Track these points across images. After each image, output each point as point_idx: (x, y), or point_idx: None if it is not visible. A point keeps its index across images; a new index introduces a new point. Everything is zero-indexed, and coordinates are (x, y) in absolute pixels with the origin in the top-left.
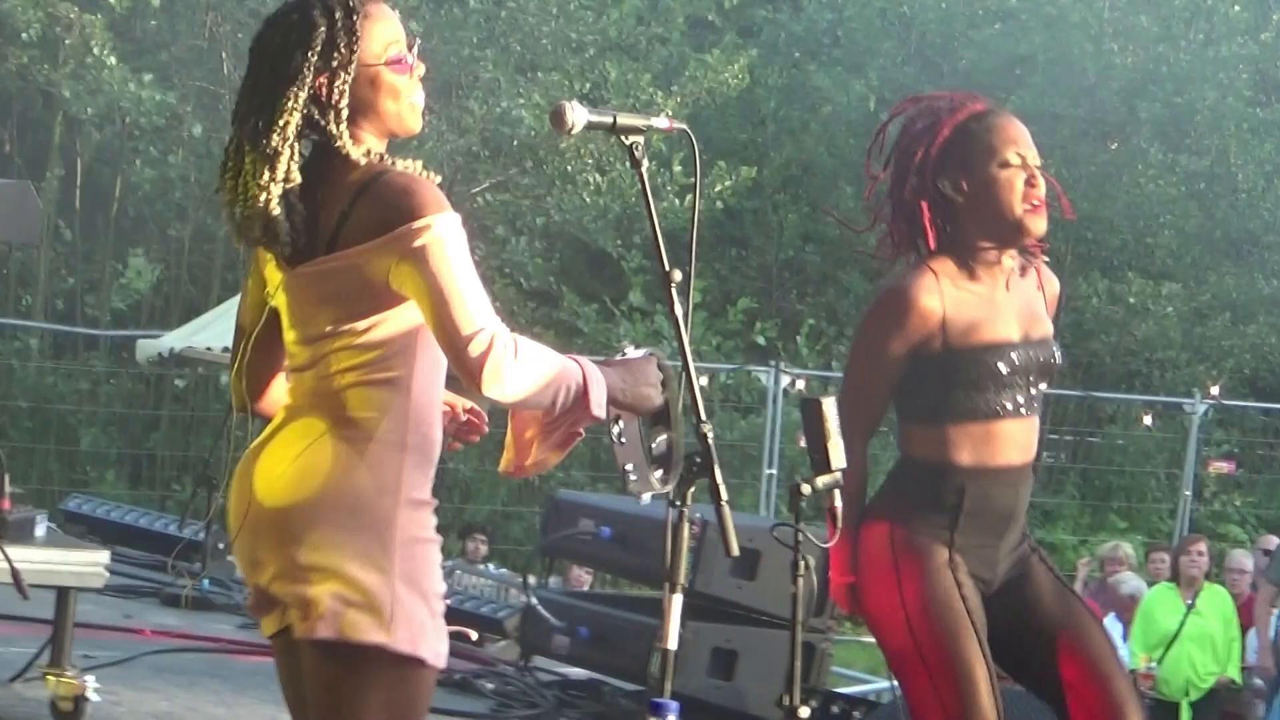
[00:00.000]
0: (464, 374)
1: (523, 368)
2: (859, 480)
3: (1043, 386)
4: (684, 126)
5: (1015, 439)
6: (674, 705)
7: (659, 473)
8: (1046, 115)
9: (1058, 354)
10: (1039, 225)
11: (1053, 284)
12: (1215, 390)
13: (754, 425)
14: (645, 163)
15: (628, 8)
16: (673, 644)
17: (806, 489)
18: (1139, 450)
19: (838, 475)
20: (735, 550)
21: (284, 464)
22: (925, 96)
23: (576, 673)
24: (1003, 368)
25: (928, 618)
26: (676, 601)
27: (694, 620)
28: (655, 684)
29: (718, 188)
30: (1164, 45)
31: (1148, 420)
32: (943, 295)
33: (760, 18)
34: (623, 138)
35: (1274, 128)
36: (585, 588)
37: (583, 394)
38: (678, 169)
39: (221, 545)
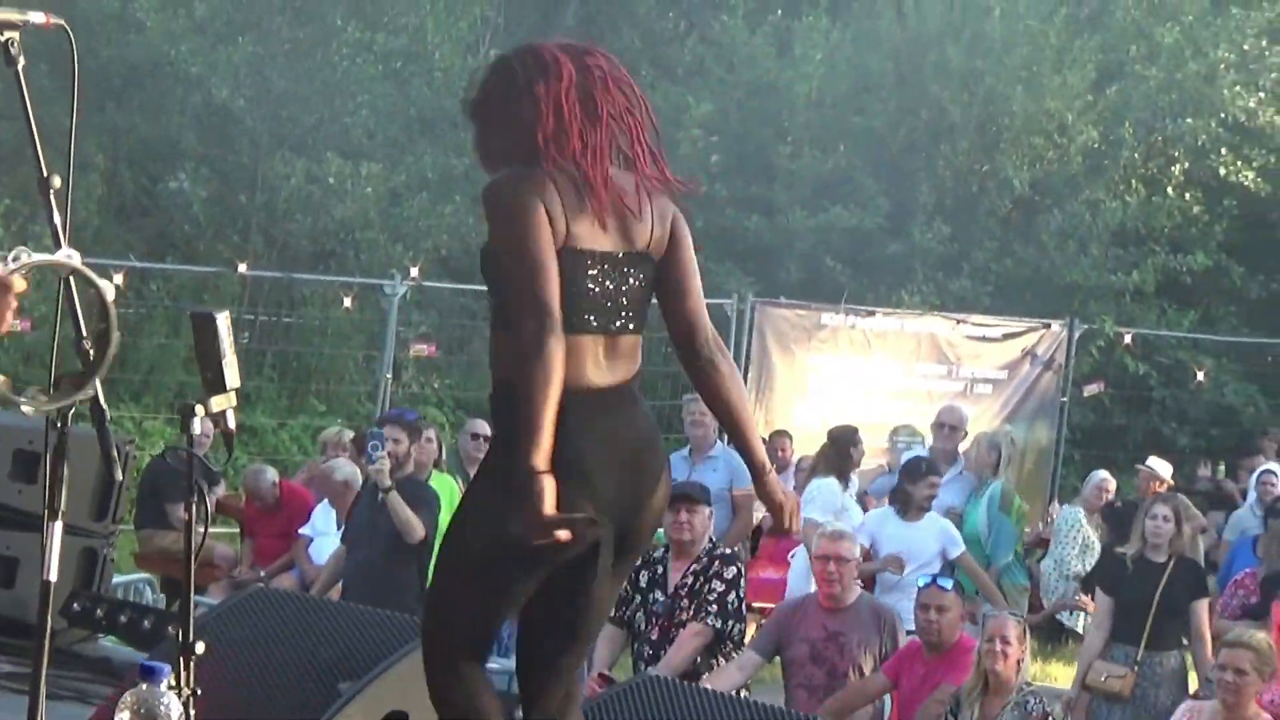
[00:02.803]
0: None
1: None
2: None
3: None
4: (61, 21)
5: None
6: (165, 669)
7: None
8: None
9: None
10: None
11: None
12: (415, 271)
13: None
14: (21, 60)
15: None
16: (54, 575)
17: (201, 411)
18: (337, 332)
19: (232, 396)
20: (120, 475)
21: None
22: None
23: None
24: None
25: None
26: (57, 529)
27: None
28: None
29: None
30: None
31: (347, 302)
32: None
33: None
34: None
35: (469, 5)
36: None
37: None
38: None
39: None
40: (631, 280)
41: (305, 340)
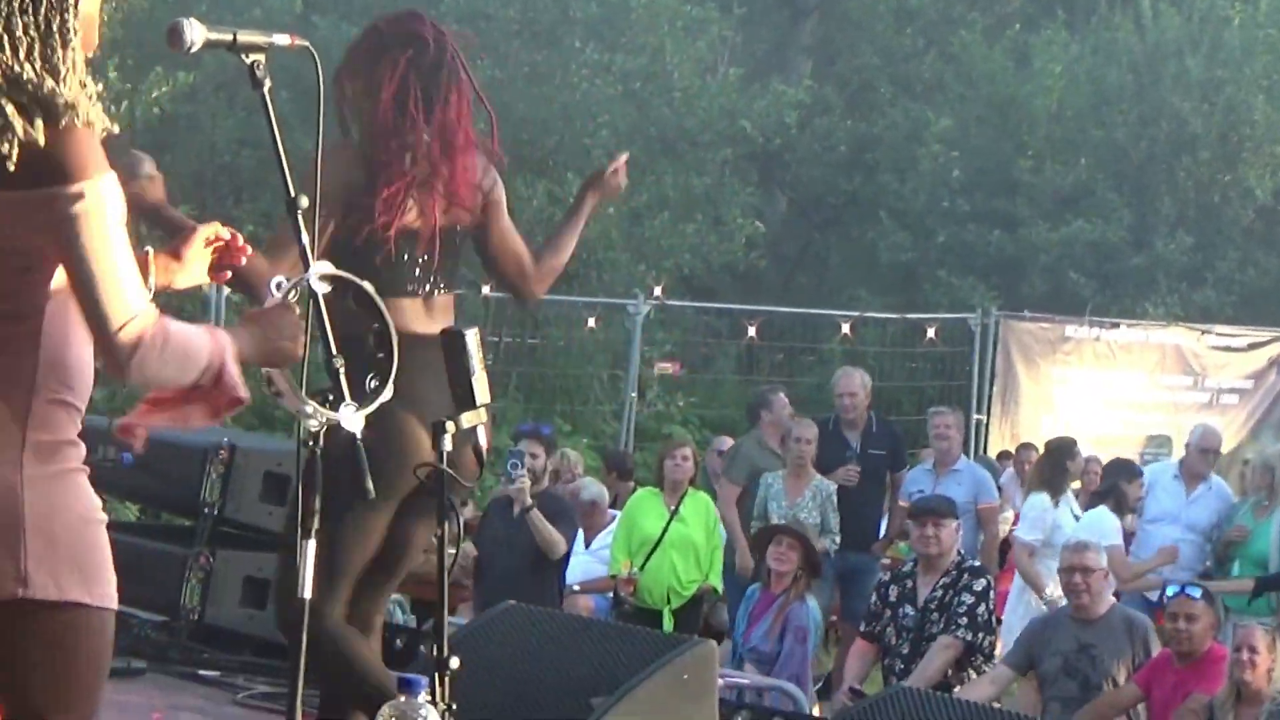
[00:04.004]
0: (110, 360)
1: (168, 357)
2: None
3: None
4: (306, 43)
5: None
6: (423, 681)
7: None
8: (478, 16)
9: None
10: None
11: None
12: (658, 290)
13: None
14: (267, 82)
15: None
16: (308, 592)
17: (451, 427)
18: (581, 352)
19: (482, 412)
20: (372, 491)
21: None
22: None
23: None
24: None
25: None
26: (310, 548)
27: (224, 549)
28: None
29: (154, 94)
30: None
31: (591, 322)
32: None
33: None
34: (243, 56)
35: (707, 25)
36: None
37: (218, 376)
38: (113, 74)
39: None
40: (445, 251)
41: (550, 361)
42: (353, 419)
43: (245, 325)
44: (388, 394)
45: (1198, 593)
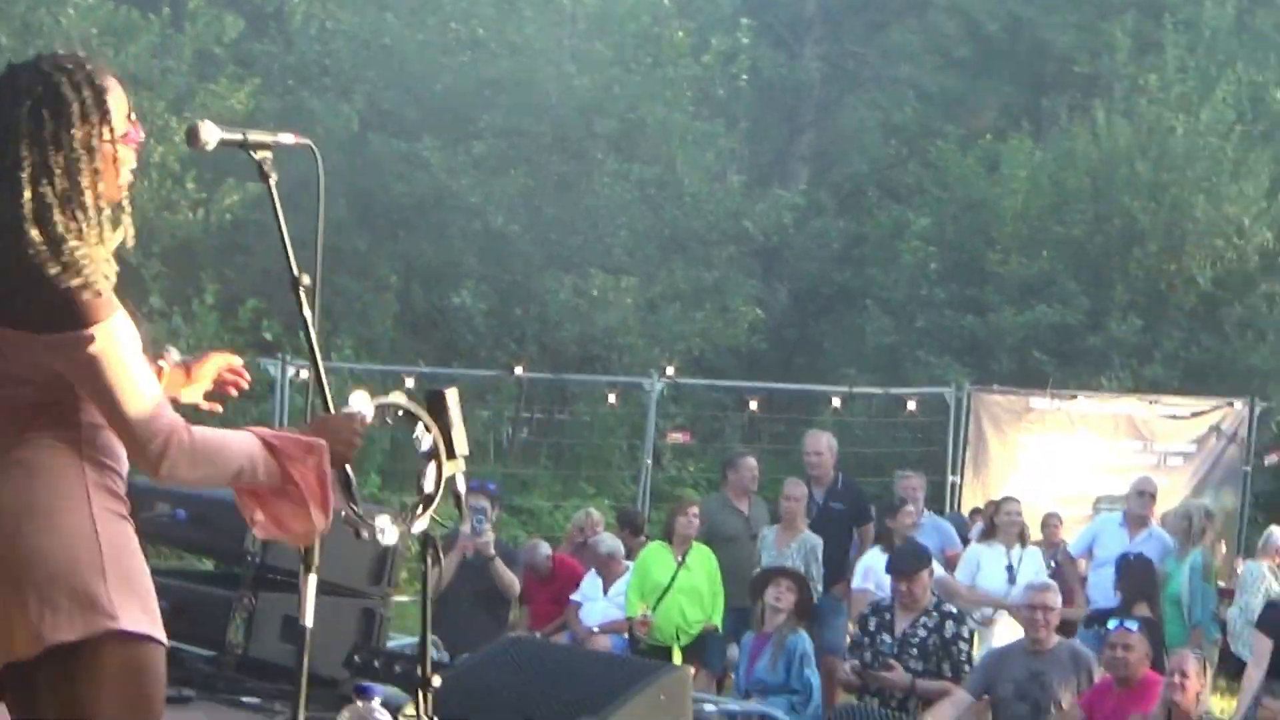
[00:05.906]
0: (144, 468)
1: (198, 461)
2: None
3: None
4: (308, 142)
5: None
6: (379, 689)
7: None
8: (514, 132)
9: None
10: None
11: None
12: (670, 370)
13: (264, 412)
14: (273, 176)
15: (143, 43)
16: (309, 621)
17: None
18: (604, 425)
19: (461, 462)
20: (366, 535)
21: None
22: None
23: None
24: None
25: None
26: (312, 580)
27: (265, 591)
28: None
29: (226, 201)
30: (617, 68)
31: (612, 398)
32: None
33: (257, 50)
34: (252, 153)
35: (714, 139)
36: None
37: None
38: (190, 185)
39: None
40: None
41: (576, 433)
42: (390, 534)
43: (311, 426)
44: (424, 524)
45: (1135, 625)
